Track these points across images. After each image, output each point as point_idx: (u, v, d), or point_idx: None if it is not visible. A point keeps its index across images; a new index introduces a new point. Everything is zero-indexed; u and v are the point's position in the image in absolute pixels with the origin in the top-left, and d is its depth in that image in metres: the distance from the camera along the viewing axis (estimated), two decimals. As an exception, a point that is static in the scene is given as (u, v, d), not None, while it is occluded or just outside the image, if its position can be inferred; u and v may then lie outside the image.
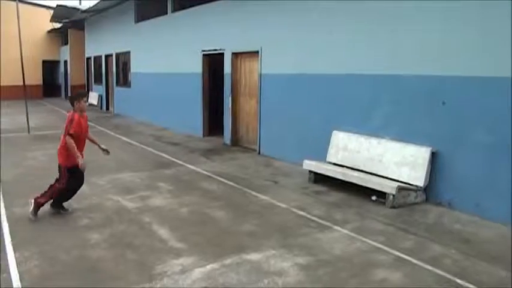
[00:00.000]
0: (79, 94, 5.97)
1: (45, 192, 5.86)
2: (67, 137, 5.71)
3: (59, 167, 5.91)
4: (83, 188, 7.22)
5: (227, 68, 11.69)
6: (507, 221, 5.78)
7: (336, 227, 5.67)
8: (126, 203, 6.56)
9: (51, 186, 5.89)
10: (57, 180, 5.92)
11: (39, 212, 5.86)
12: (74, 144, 5.71)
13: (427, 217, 6.14)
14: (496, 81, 5.92)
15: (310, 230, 5.57)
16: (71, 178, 5.92)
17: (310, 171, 7.87)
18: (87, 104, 6.02)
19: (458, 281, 4.28)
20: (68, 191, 6.01)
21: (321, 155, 8.25)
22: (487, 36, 6.01)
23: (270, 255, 4.76)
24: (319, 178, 7.78)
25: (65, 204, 6.15)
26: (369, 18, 7.62)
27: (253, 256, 4.73)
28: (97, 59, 23.07)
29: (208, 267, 4.45)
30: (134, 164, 9.36)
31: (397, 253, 4.88)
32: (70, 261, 4.58)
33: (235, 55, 11.44)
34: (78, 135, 5.84)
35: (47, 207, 5.98)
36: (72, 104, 5.89)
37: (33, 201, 5.83)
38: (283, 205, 6.57)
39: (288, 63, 9.51)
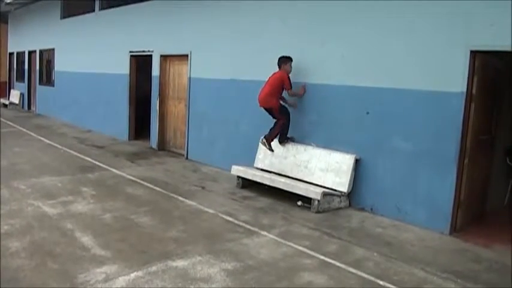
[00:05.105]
0: (287, 58, 7.48)
1: (271, 131, 7.61)
2: (290, 90, 7.47)
3: (271, 110, 7.56)
4: (3, 192, 6.88)
5: (155, 70, 11.51)
6: (425, 225, 6.11)
7: (262, 232, 5.73)
8: (47, 209, 6.26)
9: (275, 125, 7.59)
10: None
11: None
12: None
13: (350, 221, 6.36)
14: (413, 93, 6.24)
15: (238, 236, 5.59)
16: (285, 113, 7.61)
17: (239, 177, 7.91)
18: (291, 68, 7.52)
19: (380, 282, 4.45)
20: (287, 123, 7.65)
21: (249, 160, 8.31)
22: (409, 51, 6.31)
23: (197, 262, 4.72)
24: (247, 183, 7.83)
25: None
26: (298, 26, 7.79)
27: (180, 263, 4.67)
28: (20, 55, 21.90)
29: (133, 275, 4.34)
30: (56, 167, 8.96)
31: (322, 257, 5.00)
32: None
33: (164, 58, 11.28)
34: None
35: None
36: (280, 66, 7.47)
37: (265, 140, 7.60)
38: (211, 211, 6.56)
39: (218, 68, 9.52)
